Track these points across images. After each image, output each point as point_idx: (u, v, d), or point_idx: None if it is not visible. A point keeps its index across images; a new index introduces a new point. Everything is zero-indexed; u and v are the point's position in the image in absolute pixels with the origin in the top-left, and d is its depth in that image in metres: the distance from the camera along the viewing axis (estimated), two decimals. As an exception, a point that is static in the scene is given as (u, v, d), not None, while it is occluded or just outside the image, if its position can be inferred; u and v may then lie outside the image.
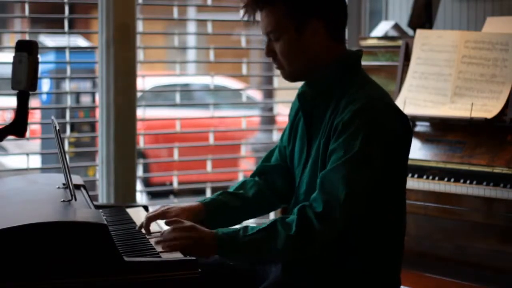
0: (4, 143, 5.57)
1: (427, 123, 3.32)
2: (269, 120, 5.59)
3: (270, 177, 2.36)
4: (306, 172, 2.17)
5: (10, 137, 1.93)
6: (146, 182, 4.83)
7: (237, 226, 2.11)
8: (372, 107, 2.06)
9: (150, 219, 2.19)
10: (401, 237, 2.19)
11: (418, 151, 3.25)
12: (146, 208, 2.51)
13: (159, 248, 2.00)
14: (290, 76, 2.20)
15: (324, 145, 2.09)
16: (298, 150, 2.23)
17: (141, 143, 3.79)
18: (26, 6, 3.51)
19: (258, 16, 2.17)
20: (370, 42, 3.70)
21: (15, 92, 1.89)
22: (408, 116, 2.18)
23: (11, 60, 1.88)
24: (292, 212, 2.07)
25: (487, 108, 3.13)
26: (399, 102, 3.32)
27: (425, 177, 3.18)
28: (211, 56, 4.08)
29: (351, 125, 2.03)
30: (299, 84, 2.25)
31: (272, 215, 3.28)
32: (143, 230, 2.18)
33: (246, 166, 5.23)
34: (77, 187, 2.40)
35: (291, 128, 2.30)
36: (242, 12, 2.16)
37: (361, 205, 2.03)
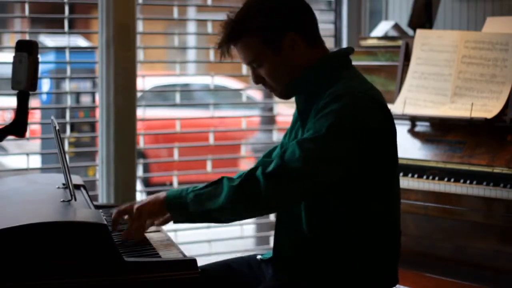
0: (4, 143, 5.56)
1: (427, 123, 3.32)
2: (269, 120, 5.58)
3: None
4: None
5: (10, 137, 1.93)
6: (146, 182, 4.82)
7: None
8: (351, 95, 2.06)
9: (120, 214, 2.16)
10: (395, 233, 2.18)
11: (418, 151, 3.25)
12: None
13: (160, 250, 2.00)
14: (284, 94, 2.22)
15: None
16: None
17: (141, 143, 3.79)
18: (26, 6, 3.51)
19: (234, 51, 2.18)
20: (370, 42, 3.70)
21: (15, 92, 1.89)
22: (393, 113, 2.16)
23: (11, 60, 1.88)
24: None
25: (487, 108, 3.13)
26: (399, 102, 3.32)
27: (425, 177, 3.18)
28: (211, 56, 4.08)
29: (326, 108, 2.04)
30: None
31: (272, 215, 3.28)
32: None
33: (246, 166, 5.22)
34: (77, 187, 2.40)
35: (293, 128, 2.31)
36: (217, 52, 2.17)
37: (313, 183, 2.02)
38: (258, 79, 2.20)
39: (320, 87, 2.12)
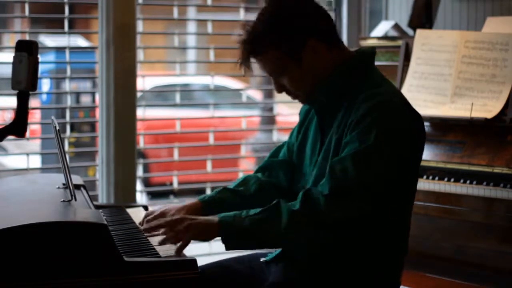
0: (4, 143, 5.57)
1: (427, 123, 3.31)
2: (269, 120, 5.59)
3: (275, 172, 2.36)
4: (316, 168, 2.16)
5: (10, 137, 1.93)
6: (146, 182, 4.83)
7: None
8: (388, 104, 2.05)
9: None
10: (405, 239, 2.18)
11: (418, 151, 3.24)
12: (146, 208, 2.51)
13: (160, 250, 2.00)
14: (308, 100, 2.19)
15: (336, 141, 2.08)
16: (310, 149, 2.23)
17: (141, 143, 3.79)
18: (26, 6, 3.51)
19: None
20: (370, 42, 3.70)
21: (15, 92, 1.89)
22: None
23: (11, 60, 1.88)
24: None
25: (487, 108, 3.13)
26: (399, 102, 3.32)
27: (425, 177, 3.18)
28: (211, 56, 4.08)
29: (366, 120, 2.02)
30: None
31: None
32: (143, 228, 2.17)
33: (246, 166, 5.23)
34: (77, 187, 2.40)
35: (301, 125, 2.30)
36: (238, 66, 2.13)
37: (369, 197, 2.00)
38: (281, 89, 2.16)
39: (347, 88, 2.11)
